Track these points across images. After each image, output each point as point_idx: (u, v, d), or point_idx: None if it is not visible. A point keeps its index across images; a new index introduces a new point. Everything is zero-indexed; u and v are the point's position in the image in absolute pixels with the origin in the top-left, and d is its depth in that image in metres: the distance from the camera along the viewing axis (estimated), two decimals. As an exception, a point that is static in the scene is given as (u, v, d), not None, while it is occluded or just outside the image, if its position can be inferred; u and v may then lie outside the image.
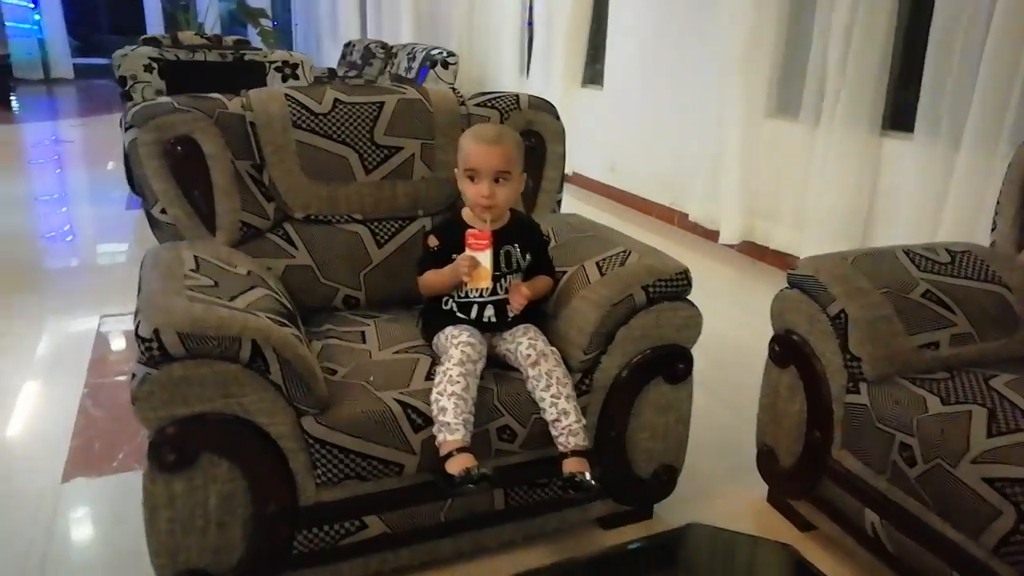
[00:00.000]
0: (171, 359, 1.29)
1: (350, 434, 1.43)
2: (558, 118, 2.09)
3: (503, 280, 1.65)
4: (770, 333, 1.78)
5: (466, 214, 1.71)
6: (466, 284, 1.61)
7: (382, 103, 1.94)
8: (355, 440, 1.44)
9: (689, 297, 1.68)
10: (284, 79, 4.42)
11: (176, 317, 1.30)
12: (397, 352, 1.66)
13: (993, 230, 1.90)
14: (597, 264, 1.71)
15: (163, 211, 1.76)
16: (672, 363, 1.68)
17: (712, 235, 4.08)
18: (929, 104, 2.78)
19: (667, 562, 1.27)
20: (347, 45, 6.97)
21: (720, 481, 2.00)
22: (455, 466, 1.40)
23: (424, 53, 5.35)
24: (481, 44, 6.35)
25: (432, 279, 1.67)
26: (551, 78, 5.31)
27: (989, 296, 1.69)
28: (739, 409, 2.20)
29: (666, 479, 1.78)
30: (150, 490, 1.35)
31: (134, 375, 1.31)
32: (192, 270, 1.53)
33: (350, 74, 6.26)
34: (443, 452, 1.43)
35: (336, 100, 1.91)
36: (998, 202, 1.89)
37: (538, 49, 5.58)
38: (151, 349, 1.28)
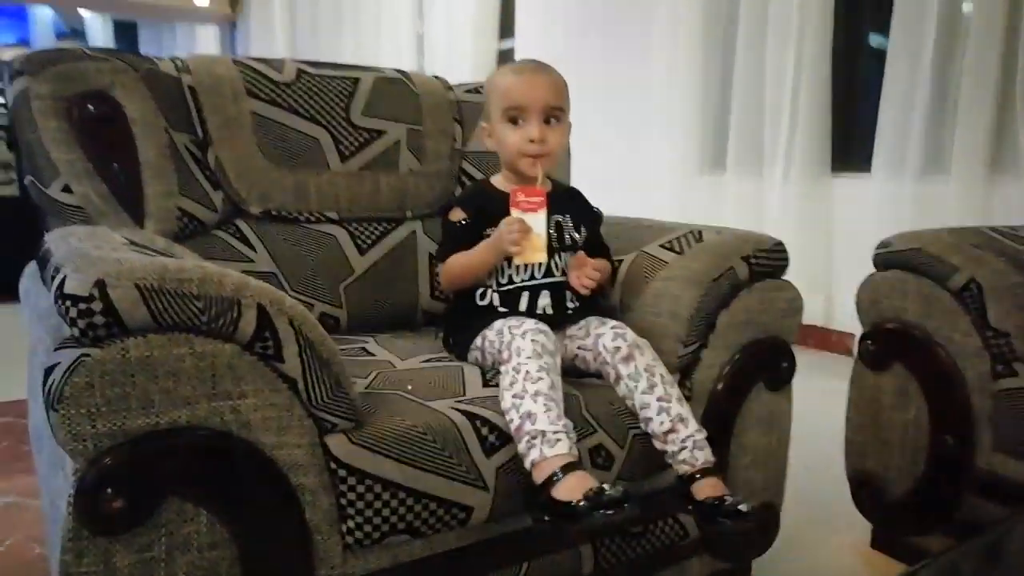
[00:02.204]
0: (124, 331, 0.78)
1: (399, 459, 0.93)
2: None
3: (557, 258, 1.25)
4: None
5: (497, 181, 1.32)
6: (512, 261, 1.20)
7: (357, 79, 1.55)
8: (405, 469, 0.93)
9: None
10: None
11: (133, 267, 0.80)
12: (428, 362, 1.19)
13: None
14: (664, 247, 1.35)
15: (66, 189, 1.23)
16: (774, 362, 1.32)
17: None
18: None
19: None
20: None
21: (803, 526, 1.59)
22: (570, 490, 0.93)
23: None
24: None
25: (463, 263, 1.24)
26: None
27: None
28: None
29: (768, 522, 1.37)
30: (72, 566, 0.77)
31: (51, 368, 0.77)
32: (129, 241, 1.02)
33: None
34: (541, 475, 0.96)
35: (300, 71, 1.50)
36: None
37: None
38: (89, 313, 0.76)
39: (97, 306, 0.76)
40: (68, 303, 0.76)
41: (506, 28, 4.67)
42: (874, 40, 3.17)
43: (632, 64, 3.73)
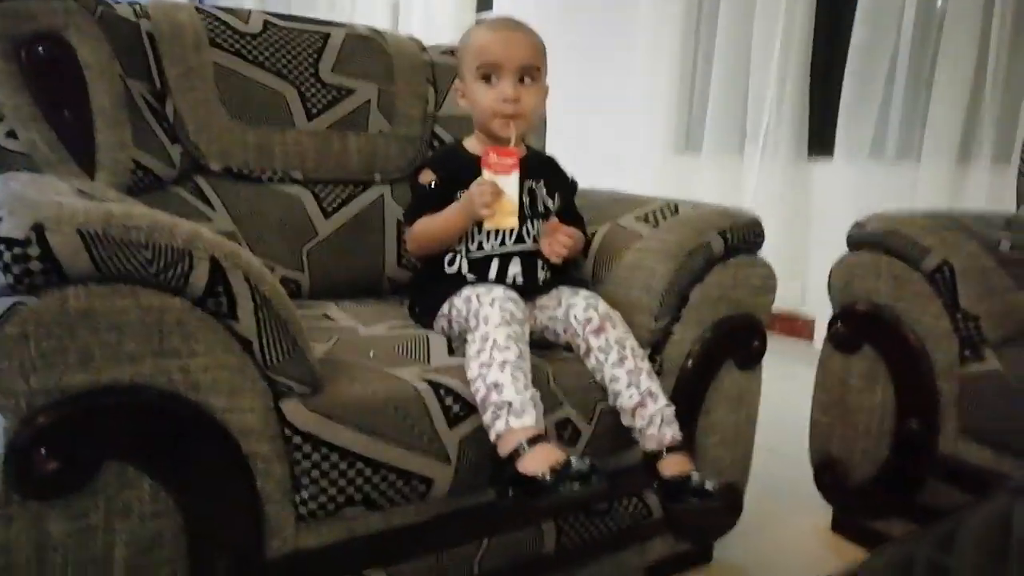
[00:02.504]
0: (64, 280, 0.72)
1: (358, 427, 0.89)
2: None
3: (530, 225, 1.21)
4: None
5: (470, 143, 1.27)
6: (483, 226, 1.16)
7: (327, 35, 1.48)
8: (365, 438, 0.89)
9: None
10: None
11: (75, 211, 0.74)
12: (392, 329, 1.15)
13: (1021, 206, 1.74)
14: (640, 219, 1.32)
15: (11, 134, 1.15)
16: (746, 340, 1.30)
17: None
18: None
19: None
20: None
21: (764, 508, 1.59)
22: (536, 463, 0.90)
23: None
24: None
25: (431, 226, 1.19)
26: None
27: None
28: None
29: (732, 503, 1.36)
30: (0, 532, 0.72)
31: (-19, 319, 0.72)
32: (77, 190, 0.95)
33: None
34: (507, 447, 0.92)
35: (268, 22, 1.43)
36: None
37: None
38: (25, 259, 0.70)
39: (34, 251, 0.70)
40: (2, 247, 0.70)
41: (484, 0, 4.59)
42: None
43: (612, 41, 3.68)
